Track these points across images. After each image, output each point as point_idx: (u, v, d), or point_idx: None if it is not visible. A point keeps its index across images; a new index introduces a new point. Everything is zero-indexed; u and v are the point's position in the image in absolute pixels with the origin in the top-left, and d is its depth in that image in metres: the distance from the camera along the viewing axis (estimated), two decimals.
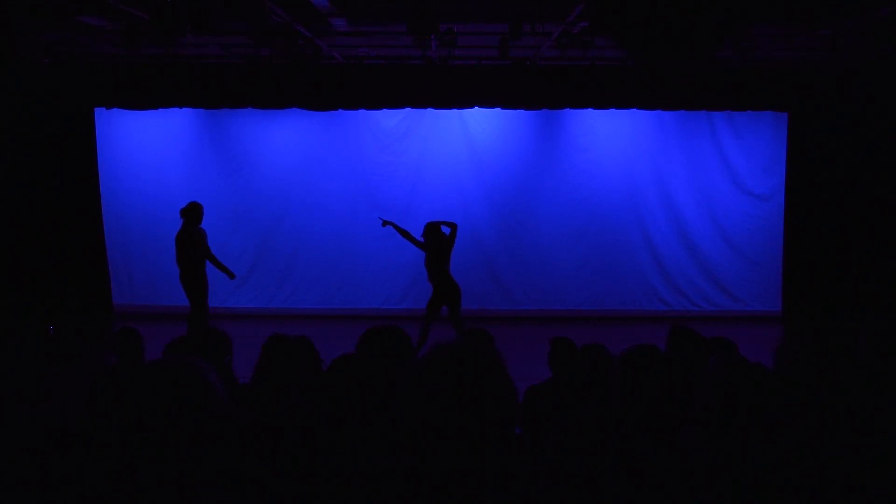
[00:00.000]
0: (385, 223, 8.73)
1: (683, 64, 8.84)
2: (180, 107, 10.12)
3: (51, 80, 9.38)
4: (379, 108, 9.92)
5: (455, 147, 10.75)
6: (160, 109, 9.95)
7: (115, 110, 10.26)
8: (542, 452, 2.51)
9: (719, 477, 2.06)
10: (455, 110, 10.14)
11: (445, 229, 8.46)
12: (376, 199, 10.77)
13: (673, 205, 10.82)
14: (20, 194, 10.34)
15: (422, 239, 8.44)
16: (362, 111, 10.08)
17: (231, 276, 8.71)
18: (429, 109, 10.12)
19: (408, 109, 10.33)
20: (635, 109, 9.83)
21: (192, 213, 8.38)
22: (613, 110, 9.93)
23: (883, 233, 10.22)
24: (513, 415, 1.41)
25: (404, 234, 8.60)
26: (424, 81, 9.28)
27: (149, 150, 10.80)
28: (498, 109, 10.04)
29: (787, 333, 10.19)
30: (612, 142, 10.75)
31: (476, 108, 9.98)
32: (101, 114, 10.55)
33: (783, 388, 2.23)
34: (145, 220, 10.82)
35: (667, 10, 3.65)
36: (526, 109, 9.96)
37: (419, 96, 9.53)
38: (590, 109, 10.08)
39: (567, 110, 10.36)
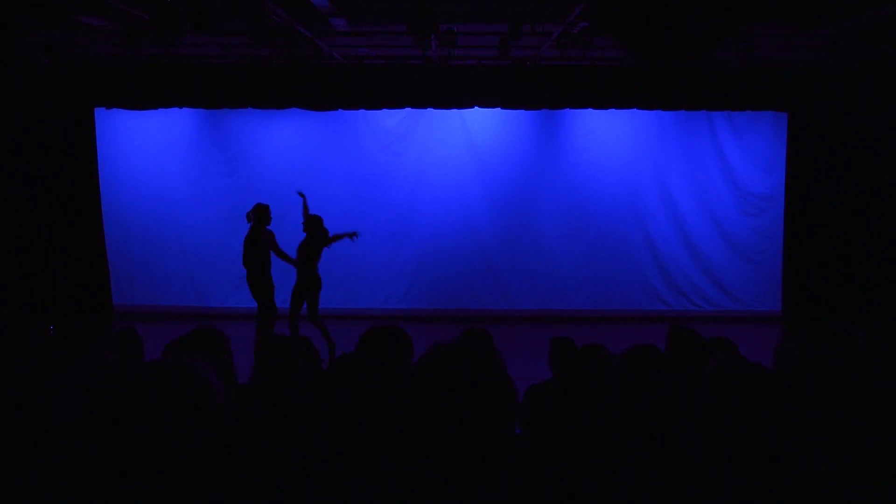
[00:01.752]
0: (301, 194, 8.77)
1: (683, 64, 8.85)
2: (180, 107, 10.13)
3: (51, 80, 9.38)
4: (379, 108, 9.93)
5: (455, 147, 10.74)
6: (160, 109, 9.96)
7: (115, 110, 10.27)
8: (542, 452, 2.51)
9: (719, 477, 2.06)
10: (455, 110, 10.14)
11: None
12: (376, 199, 10.77)
13: (673, 205, 10.82)
14: (20, 194, 10.34)
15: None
16: (362, 111, 10.08)
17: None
18: (429, 109, 10.12)
19: (408, 109, 10.33)
20: (635, 109, 9.84)
21: (258, 214, 8.40)
22: (613, 110, 9.94)
23: (883, 233, 10.21)
24: (513, 415, 1.41)
25: (305, 212, 8.64)
26: (424, 81, 9.28)
27: (149, 150, 10.80)
28: (498, 109, 10.04)
29: (787, 333, 10.19)
30: (612, 142, 10.75)
31: (476, 108, 9.98)
32: (101, 114, 10.55)
33: (783, 388, 2.23)
34: (145, 220, 10.82)
35: (667, 11, 3.65)
36: (526, 109, 9.97)
37: (419, 96, 9.53)
38: (590, 109, 10.08)
39: (567, 110, 10.37)
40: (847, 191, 10.30)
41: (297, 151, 10.84)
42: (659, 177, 10.80)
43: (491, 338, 4.18)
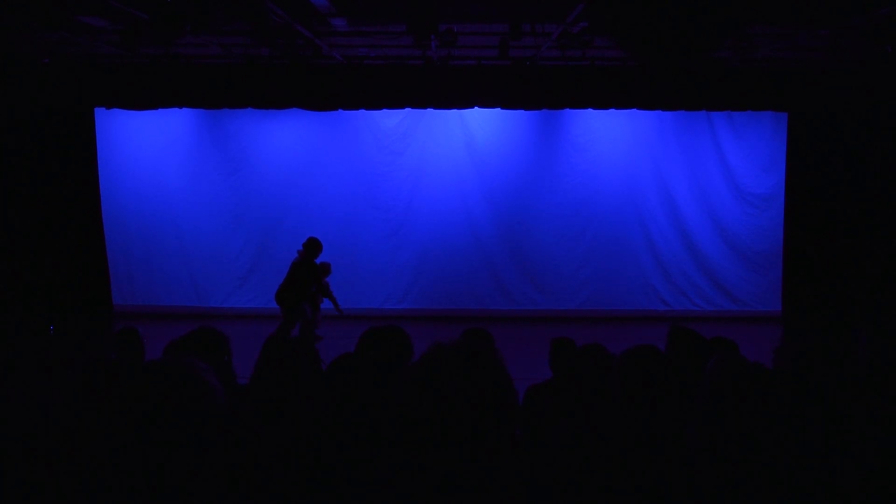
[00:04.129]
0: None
1: (684, 64, 8.84)
2: (180, 107, 10.12)
3: (51, 80, 9.38)
4: (379, 108, 9.92)
5: (455, 147, 10.75)
6: (160, 109, 9.95)
7: (115, 110, 10.26)
8: (542, 452, 2.50)
9: (719, 477, 2.06)
10: (455, 110, 10.13)
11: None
12: (376, 200, 10.77)
13: (673, 205, 10.82)
14: (20, 194, 10.34)
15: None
16: (362, 111, 10.07)
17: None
18: (429, 109, 10.12)
19: (408, 109, 10.33)
20: (635, 109, 9.83)
21: (312, 247, 8.84)
22: (613, 110, 9.94)
23: (883, 233, 10.21)
24: (513, 415, 1.41)
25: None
26: (424, 81, 9.27)
27: (149, 150, 10.80)
28: (498, 109, 10.03)
29: (787, 334, 10.19)
30: (612, 142, 10.75)
31: (476, 108, 9.97)
32: (101, 114, 10.56)
33: (783, 389, 2.23)
34: (145, 220, 10.83)
35: (667, 12, 3.64)
36: (526, 109, 9.96)
37: (419, 96, 9.52)
38: (590, 109, 10.08)
39: (567, 110, 10.36)
40: (847, 191, 10.30)
41: (297, 151, 10.84)
42: (659, 177, 10.80)
43: (491, 338, 4.18)
